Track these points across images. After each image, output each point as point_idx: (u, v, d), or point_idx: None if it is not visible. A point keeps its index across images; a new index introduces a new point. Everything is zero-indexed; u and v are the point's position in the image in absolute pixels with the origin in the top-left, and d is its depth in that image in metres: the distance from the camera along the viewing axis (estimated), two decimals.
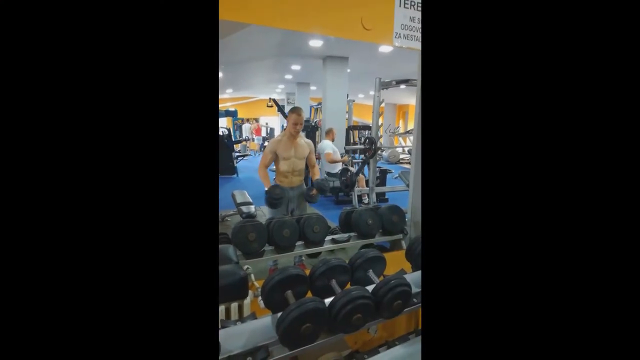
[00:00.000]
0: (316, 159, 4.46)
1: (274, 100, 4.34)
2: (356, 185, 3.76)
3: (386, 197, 4.39)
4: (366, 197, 3.72)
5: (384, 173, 4.63)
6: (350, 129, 5.24)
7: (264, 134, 10.54)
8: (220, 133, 5.68)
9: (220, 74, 5.39)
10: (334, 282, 0.92)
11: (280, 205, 1.89)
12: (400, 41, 1.25)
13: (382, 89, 2.93)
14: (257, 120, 11.21)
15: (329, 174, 4.33)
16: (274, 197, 1.80)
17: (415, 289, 1.09)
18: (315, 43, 3.84)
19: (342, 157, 4.02)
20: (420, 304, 1.06)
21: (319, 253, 1.59)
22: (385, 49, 3.86)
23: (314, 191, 1.90)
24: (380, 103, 2.96)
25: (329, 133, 4.07)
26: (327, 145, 3.97)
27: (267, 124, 10.56)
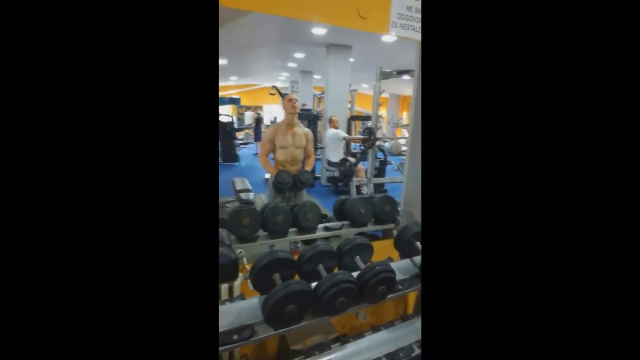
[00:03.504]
0: (320, 148, 4.48)
1: (276, 88, 4.32)
2: (355, 176, 3.78)
3: (385, 188, 4.40)
4: (365, 187, 3.74)
5: (383, 164, 4.63)
6: (352, 119, 5.23)
7: (267, 122, 10.51)
8: (225, 120, 5.69)
9: (224, 61, 5.35)
10: (321, 267, 0.95)
11: (287, 190, 1.91)
12: (397, 30, 1.24)
13: (383, 79, 2.91)
14: (261, 107, 11.15)
15: (330, 163, 4.34)
16: (282, 182, 1.81)
17: (401, 275, 1.12)
18: (318, 31, 3.80)
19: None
20: (406, 291, 1.09)
21: (314, 240, 1.62)
22: (388, 38, 3.80)
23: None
24: (381, 93, 2.95)
25: (331, 122, 4.07)
26: (337, 132, 3.98)
27: (259, 113, 10.24)
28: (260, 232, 1.38)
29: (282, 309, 0.77)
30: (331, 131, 4.06)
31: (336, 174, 3.96)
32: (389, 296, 1.01)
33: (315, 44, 4.48)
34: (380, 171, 4.53)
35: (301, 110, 5.35)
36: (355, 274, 0.91)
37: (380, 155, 4.03)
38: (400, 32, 1.25)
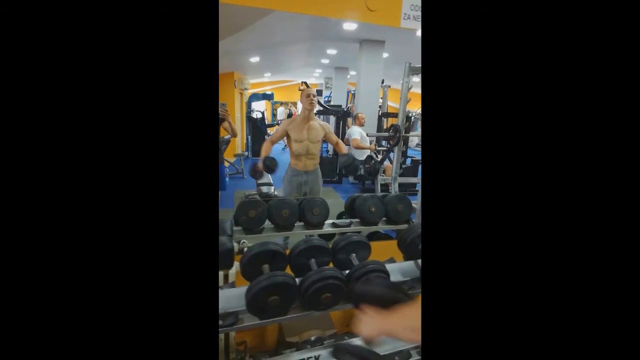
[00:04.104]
0: (346, 145, 4.45)
1: (306, 84, 4.34)
2: (380, 174, 3.70)
3: (417, 188, 4.23)
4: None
5: (416, 164, 4.47)
6: (384, 115, 5.11)
7: None
8: (255, 116, 5.86)
9: (256, 59, 5.49)
10: (312, 262, 0.95)
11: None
12: (410, 23, 1.19)
13: (412, 74, 2.81)
14: (295, 104, 11.27)
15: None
16: (269, 167, 1.76)
17: (401, 277, 1.08)
18: (349, 26, 3.75)
19: (370, 144, 3.97)
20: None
21: (331, 236, 1.60)
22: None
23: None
24: (409, 89, 2.84)
25: (357, 119, 4.02)
26: (354, 131, 3.93)
27: (290, 108, 10.13)
28: (268, 224, 1.40)
29: (264, 299, 0.78)
30: (352, 129, 4.01)
31: (362, 171, 3.91)
32: None
33: (347, 39, 4.44)
34: (411, 170, 4.39)
35: (330, 105, 5.36)
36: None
37: (412, 153, 3.89)
38: (414, 24, 1.20)
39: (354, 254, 1.02)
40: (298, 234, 1.44)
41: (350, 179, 4.79)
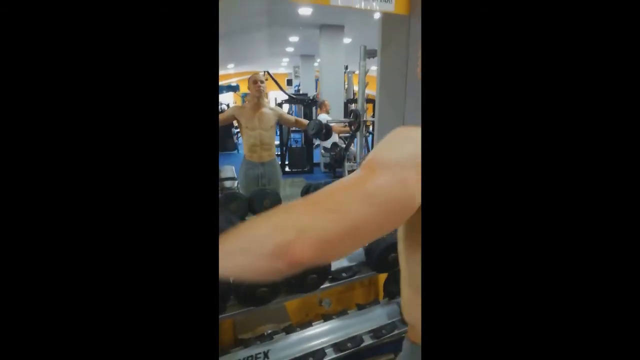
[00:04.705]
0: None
1: (269, 73, 4.24)
2: (349, 160, 3.71)
3: None
4: None
5: None
6: (349, 102, 5.10)
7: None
8: (220, 109, 5.69)
9: None
10: None
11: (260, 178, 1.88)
12: (341, 1, 1.16)
13: (368, 57, 2.78)
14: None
15: (325, 148, 4.28)
16: None
17: (347, 263, 1.08)
18: (305, 11, 3.66)
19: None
20: (350, 279, 1.04)
21: None
22: (379, 16, 3.63)
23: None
24: (367, 72, 2.83)
25: (322, 107, 3.98)
26: (322, 119, 3.90)
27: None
28: None
29: None
30: (320, 117, 3.98)
31: (330, 159, 3.90)
32: (326, 285, 0.97)
33: (305, 25, 4.35)
34: None
35: (296, 95, 5.29)
36: None
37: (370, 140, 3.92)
38: (344, 1, 1.16)
39: None
40: None
41: (322, 167, 4.77)
